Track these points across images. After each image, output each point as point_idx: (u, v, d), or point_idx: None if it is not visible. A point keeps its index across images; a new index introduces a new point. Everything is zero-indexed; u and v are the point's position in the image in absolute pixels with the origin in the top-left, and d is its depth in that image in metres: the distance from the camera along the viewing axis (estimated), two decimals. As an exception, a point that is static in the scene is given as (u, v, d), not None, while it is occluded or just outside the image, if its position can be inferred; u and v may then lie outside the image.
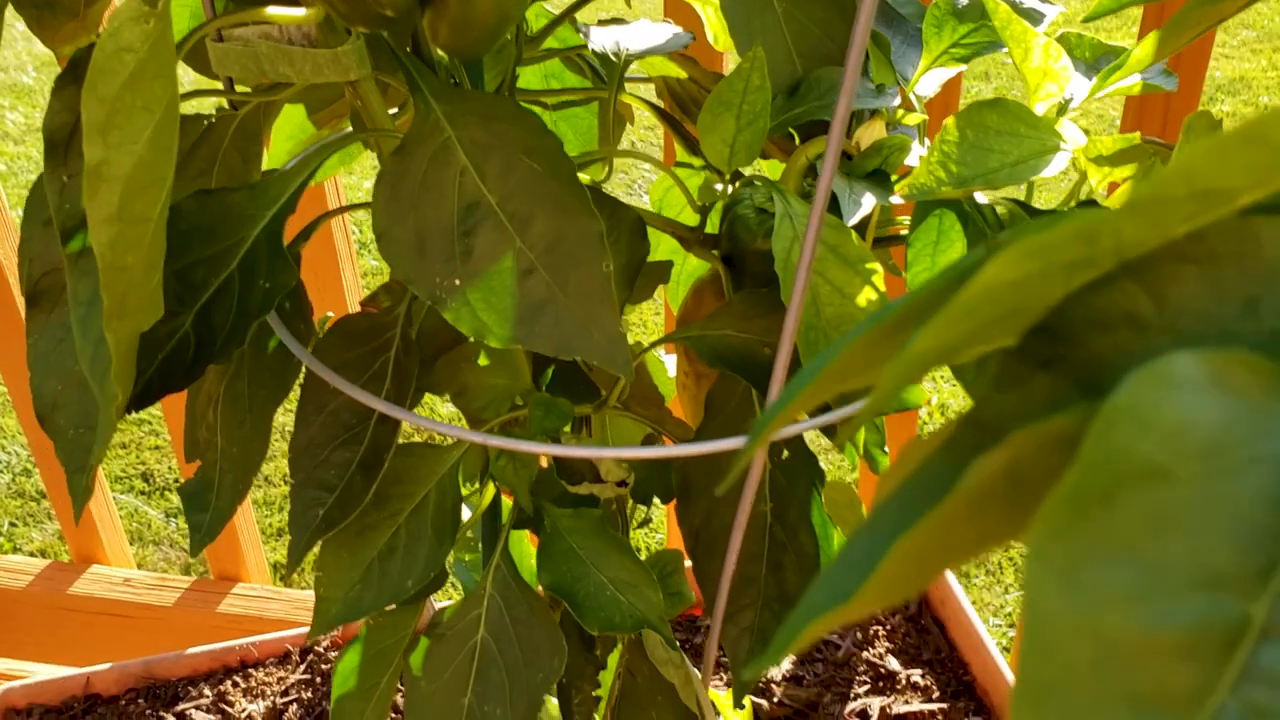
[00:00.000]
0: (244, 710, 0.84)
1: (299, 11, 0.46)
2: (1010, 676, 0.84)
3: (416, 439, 1.06)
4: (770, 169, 0.72)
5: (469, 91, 0.45)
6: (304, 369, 0.53)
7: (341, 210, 0.57)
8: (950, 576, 0.92)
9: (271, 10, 0.45)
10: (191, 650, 0.89)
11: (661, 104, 0.67)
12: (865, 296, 0.50)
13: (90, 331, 0.37)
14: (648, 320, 2.07)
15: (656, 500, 0.61)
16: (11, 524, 1.64)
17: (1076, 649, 0.13)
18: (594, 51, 0.57)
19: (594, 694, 0.56)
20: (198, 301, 0.46)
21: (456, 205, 0.45)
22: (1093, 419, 0.14)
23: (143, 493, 1.71)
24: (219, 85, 0.55)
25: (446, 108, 0.45)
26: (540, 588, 0.53)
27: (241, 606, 1.18)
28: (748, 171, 0.58)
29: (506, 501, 0.60)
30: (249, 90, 0.54)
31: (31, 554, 1.58)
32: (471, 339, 0.43)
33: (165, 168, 0.34)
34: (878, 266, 0.49)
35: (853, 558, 0.16)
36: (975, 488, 0.15)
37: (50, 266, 0.46)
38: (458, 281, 0.44)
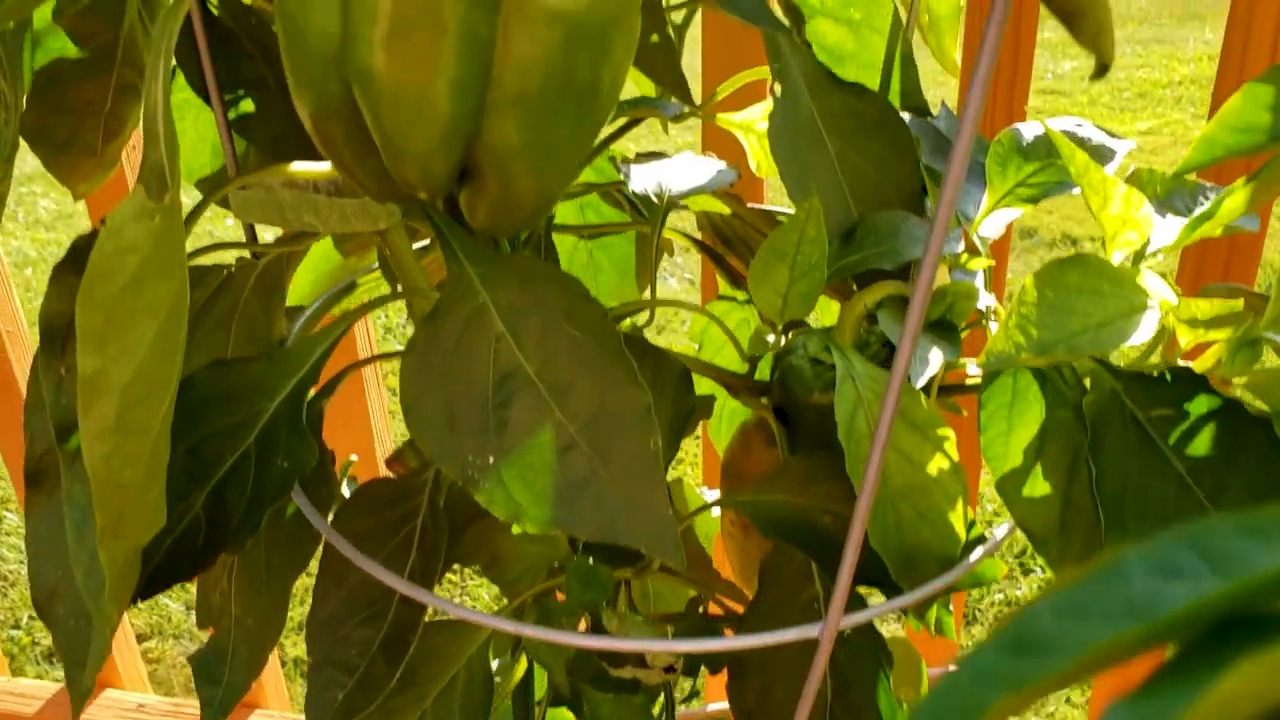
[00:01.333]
0: None
1: (325, 166, 0.43)
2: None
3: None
4: (822, 307, 0.68)
5: (506, 255, 0.42)
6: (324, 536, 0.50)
7: (371, 360, 0.53)
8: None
9: (297, 166, 0.43)
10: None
11: (701, 236, 0.64)
12: (936, 465, 0.45)
13: (86, 539, 0.33)
14: (687, 447, 1.97)
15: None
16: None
17: None
18: (634, 194, 0.54)
19: None
20: (211, 479, 0.42)
21: (492, 375, 0.41)
22: None
23: (163, 585, 1.67)
24: (238, 227, 0.53)
25: (481, 269, 0.41)
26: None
27: (258, 737, 1.13)
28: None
29: (540, 672, 0.56)
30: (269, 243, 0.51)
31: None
32: (505, 521, 0.39)
33: (168, 373, 0.30)
34: (950, 433, 0.45)
35: None
36: None
37: (51, 445, 0.42)
38: (491, 459, 0.40)
